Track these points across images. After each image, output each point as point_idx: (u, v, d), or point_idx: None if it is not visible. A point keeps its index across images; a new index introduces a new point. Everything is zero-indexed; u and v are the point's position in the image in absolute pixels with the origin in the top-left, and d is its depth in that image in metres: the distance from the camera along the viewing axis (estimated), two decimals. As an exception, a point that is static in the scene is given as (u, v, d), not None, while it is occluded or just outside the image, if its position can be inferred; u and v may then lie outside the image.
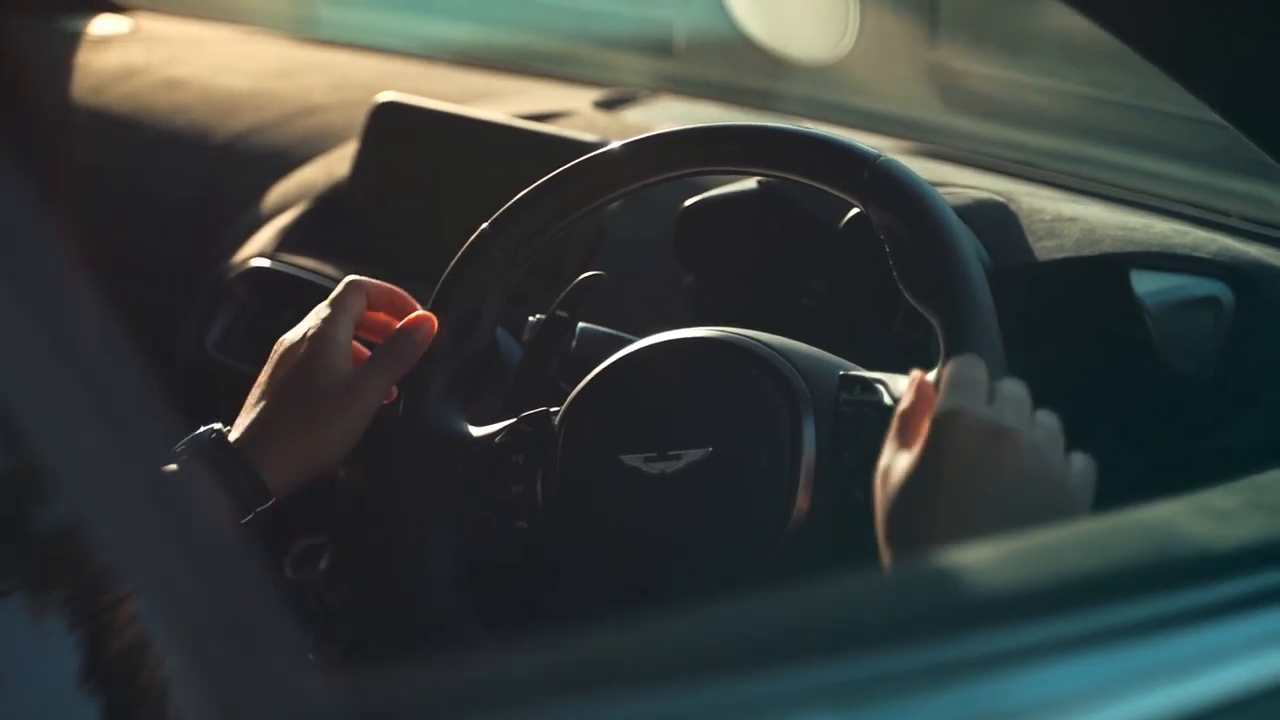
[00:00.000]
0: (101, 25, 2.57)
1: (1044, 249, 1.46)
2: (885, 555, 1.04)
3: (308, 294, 1.82)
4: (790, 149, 1.30)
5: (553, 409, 1.36)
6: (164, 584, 0.65)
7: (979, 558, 0.86)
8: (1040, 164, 1.86)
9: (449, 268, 1.38)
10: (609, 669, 0.77)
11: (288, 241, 1.90)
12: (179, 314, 1.91)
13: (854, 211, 1.52)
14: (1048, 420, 1.07)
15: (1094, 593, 0.83)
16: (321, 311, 1.36)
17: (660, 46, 2.33)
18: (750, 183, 1.60)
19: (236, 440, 1.30)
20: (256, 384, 1.34)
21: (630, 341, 1.36)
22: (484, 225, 1.38)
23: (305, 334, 1.34)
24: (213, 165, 2.11)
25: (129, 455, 0.67)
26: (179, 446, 1.28)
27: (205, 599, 0.65)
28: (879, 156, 1.26)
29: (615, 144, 1.36)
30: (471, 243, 1.38)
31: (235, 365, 1.82)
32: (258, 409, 1.31)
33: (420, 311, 1.37)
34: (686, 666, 0.77)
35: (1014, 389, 1.06)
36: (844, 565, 1.20)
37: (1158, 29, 1.17)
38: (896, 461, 1.06)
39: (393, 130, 1.88)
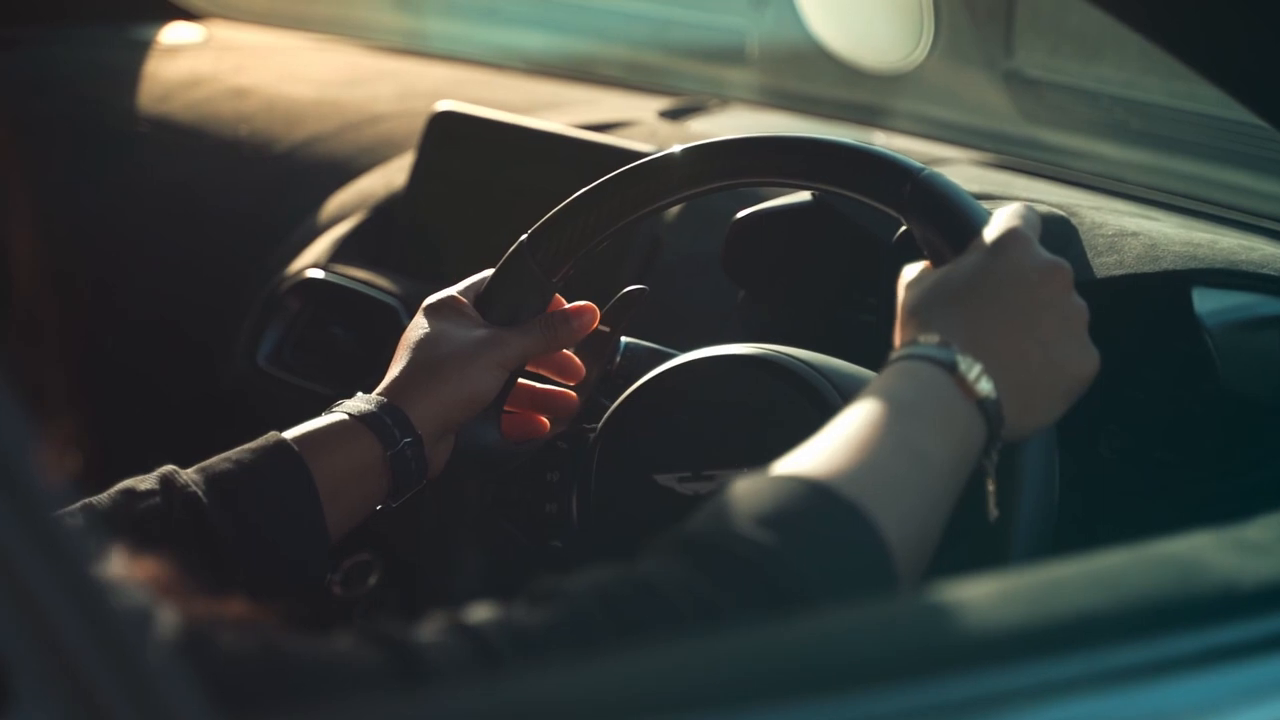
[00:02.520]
0: (174, 34, 2.57)
1: (1103, 265, 1.41)
2: (898, 338, 1.06)
3: (360, 306, 1.80)
4: (832, 161, 1.26)
5: (590, 426, 1.33)
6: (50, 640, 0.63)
7: (991, 591, 0.82)
8: (1115, 175, 1.81)
9: (488, 280, 1.36)
10: (628, 695, 0.74)
11: (342, 252, 1.88)
12: (235, 324, 1.90)
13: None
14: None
15: (1111, 629, 0.79)
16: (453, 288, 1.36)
17: (734, 55, 2.29)
18: (803, 195, 1.56)
19: (379, 391, 1.30)
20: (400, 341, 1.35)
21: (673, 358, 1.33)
22: (523, 237, 1.35)
23: (428, 302, 1.35)
24: (273, 175, 2.10)
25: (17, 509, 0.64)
26: (335, 407, 1.30)
27: (99, 658, 0.63)
28: (922, 170, 1.22)
29: (652, 155, 1.32)
30: (510, 255, 1.35)
31: (286, 378, 1.80)
32: (395, 365, 1.32)
33: (585, 304, 1.35)
34: (708, 696, 0.74)
35: (1061, 260, 1.08)
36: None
37: (1177, 19, 1.12)
38: (921, 271, 1.11)
39: (449, 140, 1.86)
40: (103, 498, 1.21)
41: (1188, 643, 0.80)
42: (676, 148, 1.30)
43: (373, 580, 1.67)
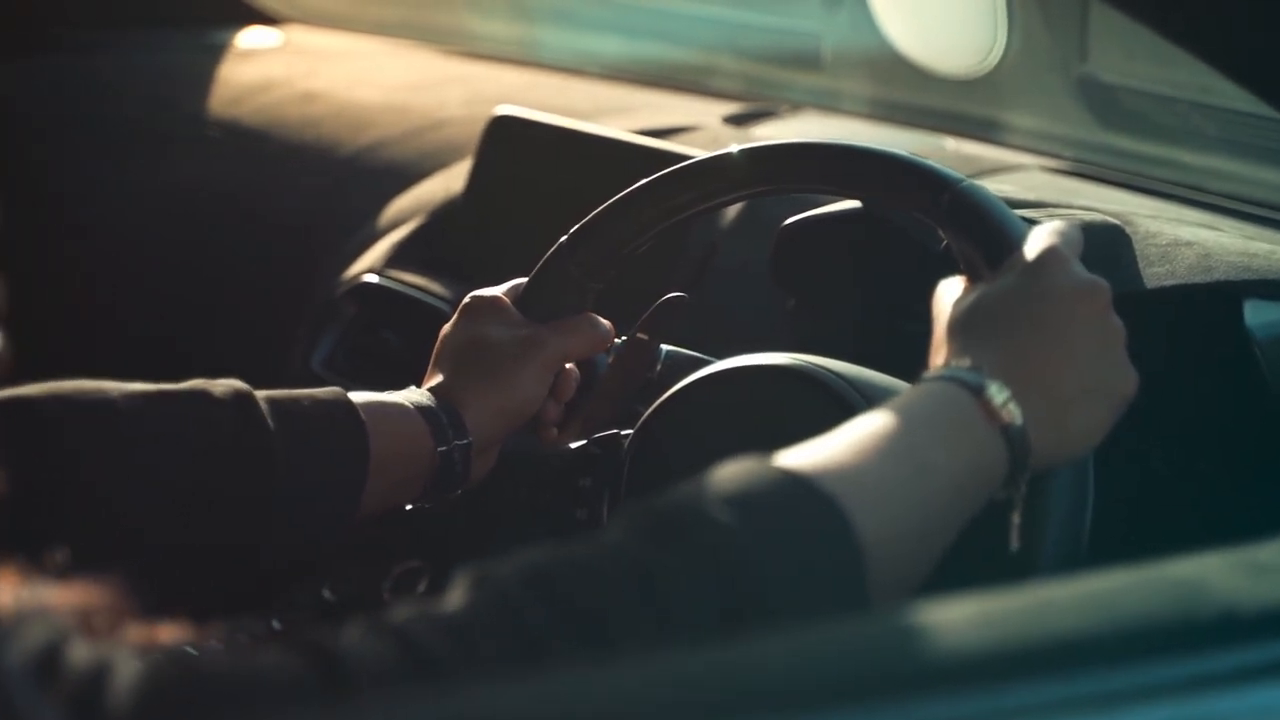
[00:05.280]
0: (252, 38, 2.58)
1: (1154, 275, 1.37)
2: (936, 358, 1.05)
3: (415, 312, 1.80)
4: (869, 169, 1.24)
5: (624, 432, 1.32)
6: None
7: (971, 612, 0.80)
8: (1191, 182, 1.78)
9: (525, 284, 1.35)
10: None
11: (399, 257, 1.88)
12: (293, 329, 1.90)
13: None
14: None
15: (1097, 652, 0.77)
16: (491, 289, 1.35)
17: (808, 60, 2.27)
18: (853, 201, 1.53)
19: (429, 389, 1.30)
20: (439, 341, 1.34)
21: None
22: (562, 239, 1.34)
23: (466, 302, 1.34)
24: (336, 179, 2.10)
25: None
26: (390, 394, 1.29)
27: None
28: (960, 181, 1.20)
29: (692, 160, 1.31)
30: (549, 256, 1.35)
31: (340, 383, 1.79)
32: (441, 367, 1.32)
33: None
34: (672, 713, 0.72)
35: (1099, 280, 1.06)
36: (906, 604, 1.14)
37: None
38: (961, 289, 1.09)
39: (508, 144, 1.85)
40: (178, 388, 1.20)
41: (1183, 667, 0.78)
42: (710, 154, 1.29)
43: (422, 587, 1.67)
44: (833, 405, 1.21)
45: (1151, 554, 0.89)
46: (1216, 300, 1.34)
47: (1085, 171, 1.88)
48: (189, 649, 0.78)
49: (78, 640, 0.72)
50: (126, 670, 0.72)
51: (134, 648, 0.74)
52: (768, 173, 1.28)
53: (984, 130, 2.06)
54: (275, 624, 1.42)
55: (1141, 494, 1.34)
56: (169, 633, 0.77)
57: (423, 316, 1.79)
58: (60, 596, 0.75)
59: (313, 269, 1.97)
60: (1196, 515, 1.33)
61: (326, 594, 1.49)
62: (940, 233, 1.21)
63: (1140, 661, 0.77)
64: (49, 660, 0.70)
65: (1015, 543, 1.03)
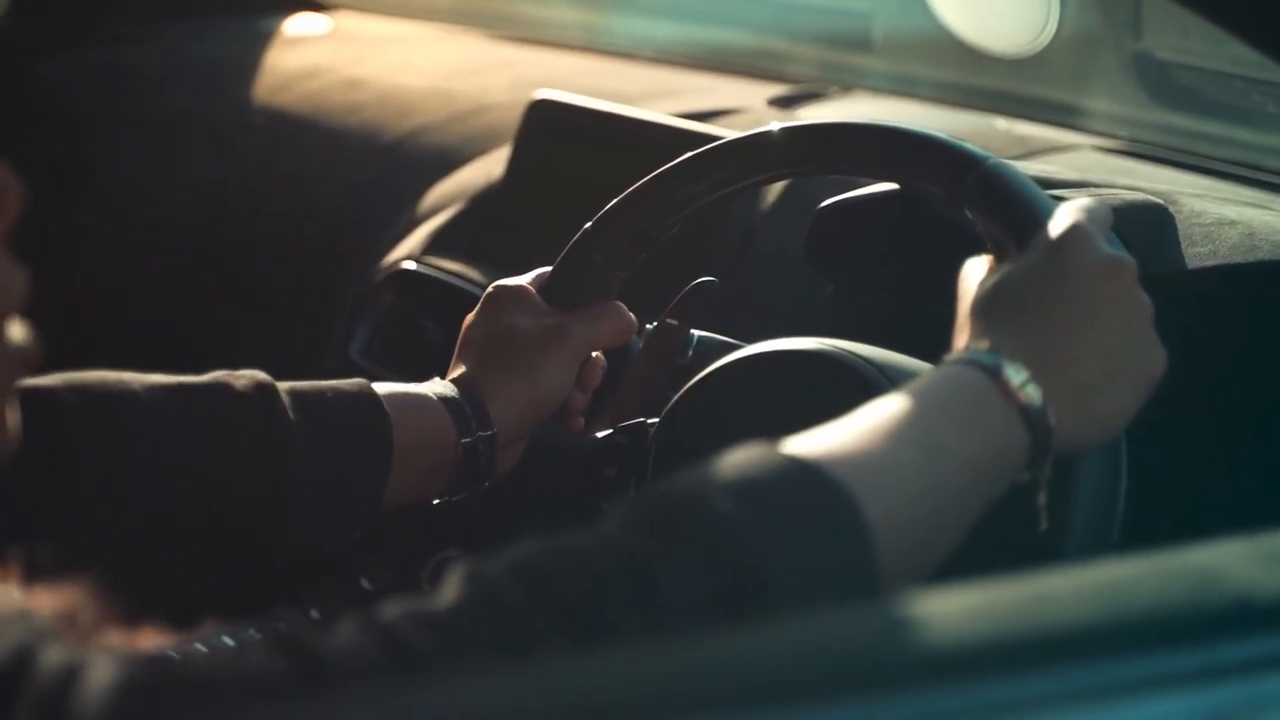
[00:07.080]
0: (301, 25, 2.58)
1: (1196, 255, 1.34)
2: (959, 340, 1.03)
3: (452, 299, 1.78)
4: (893, 148, 1.21)
5: (650, 420, 1.30)
6: None
7: (994, 599, 0.78)
8: (1249, 161, 1.74)
9: (549, 273, 1.33)
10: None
11: (438, 243, 1.86)
12: (333, 316, 1.89)
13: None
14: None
15: (1098, 642, 0.74)
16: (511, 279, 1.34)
17: (859, 41, 2.24)
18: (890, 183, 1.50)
19: (453, 381, 1.29)
20: (462, 332, 1.33)
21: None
22: (586, 226, 1.32)
23: (490, 292, 1.32)
24: (379, 166, 2.10)
25: None
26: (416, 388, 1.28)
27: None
28: (987, 159, 1.17)
29: (719, 142, 1.29)
30: (573, 245, 1.33)
31: (379, 371, 1.78)
32: (465, 357, 1.31)
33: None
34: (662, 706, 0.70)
35: (1123, 255, 1.03)
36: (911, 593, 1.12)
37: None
38: (986, 269, 1.07)
39: (547, 129, 1.83)
40: (200, 379, 1.19)
41: (1195, 657, 0.75)
42: (732, 137, 1.27)
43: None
44: (860, 390, 1.18)
45: (1191, 538, 0.87)
46: (1259, 280, 1.30)
47: (1138, 151, 1.84)
48: (169, 651, 0.76)
49: (53, 643, 0.71)
50: (100, 673, 0.71)
51: (111, 650, 0.73)
52: (791, 155, 1.25)
53: (1037, 110, 2.02)
54: (314, 613, 1.41)
55: (1180, 477, 1.31)
56: (151, 634, 0.76)
57: (461, 304, 1.76)
58: (40, 599, 0.74)
59: (354, 255, 1.96)
60: (1235, 500, 1.29)
61: (365, 583, 1.48)
62: (970, 214, 1.18)
63: (1152, 651, 0.74)
64: (21, 663, 0.69)
65: (1041, 526, 1.01)
